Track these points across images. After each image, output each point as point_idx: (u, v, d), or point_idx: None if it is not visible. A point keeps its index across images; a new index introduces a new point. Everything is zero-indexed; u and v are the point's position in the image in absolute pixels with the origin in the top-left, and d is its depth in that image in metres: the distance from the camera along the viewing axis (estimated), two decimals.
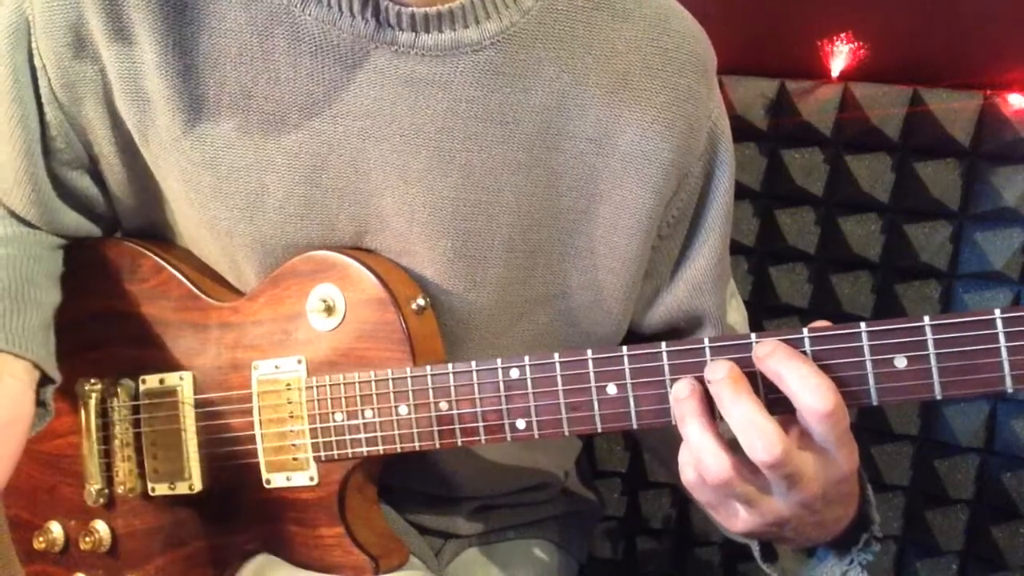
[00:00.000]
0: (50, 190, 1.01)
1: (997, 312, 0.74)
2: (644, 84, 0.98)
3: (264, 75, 0.92)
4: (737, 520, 0.82)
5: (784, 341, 0.78)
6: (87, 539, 1.02)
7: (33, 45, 0.94)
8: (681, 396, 0.79)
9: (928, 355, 0.75)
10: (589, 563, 1.40)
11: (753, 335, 0.79)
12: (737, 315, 1.14)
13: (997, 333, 0.74)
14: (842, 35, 1.45)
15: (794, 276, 1.54)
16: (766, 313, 1.56)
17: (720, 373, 0.77)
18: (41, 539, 1.04)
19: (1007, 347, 0.73)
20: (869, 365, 0.76)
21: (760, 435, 0.74)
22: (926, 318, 0.75)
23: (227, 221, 0.96)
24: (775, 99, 1.49)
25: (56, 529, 1.04)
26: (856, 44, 1.45)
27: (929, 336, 0.75)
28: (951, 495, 1.47)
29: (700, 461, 0.78)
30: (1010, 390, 0.74)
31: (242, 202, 0.95)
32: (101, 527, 1.03)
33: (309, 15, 0.91)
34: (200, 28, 0.92)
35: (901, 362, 0.76)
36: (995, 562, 1.45)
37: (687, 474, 0.80)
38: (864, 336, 0.76)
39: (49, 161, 1.00)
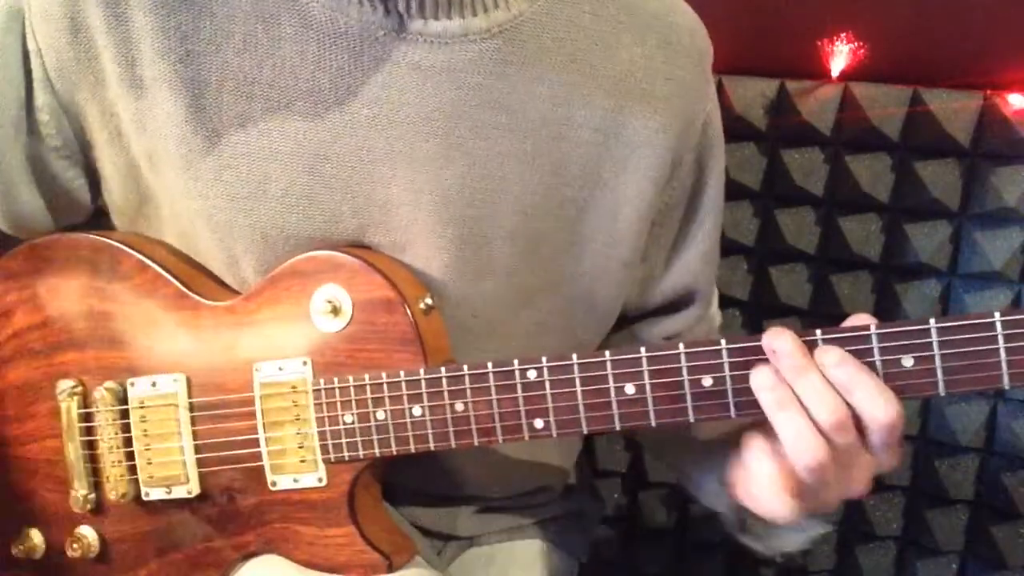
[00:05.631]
0: (19, 172, 0.99)
1: (996, 315, 0.77)
2: (647, 76, 0.99)
3: (269, 62, 0.92)
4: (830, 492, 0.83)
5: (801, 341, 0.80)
6: (75, 545, 0.99)
7: (27, 28, 0.93)
8: (767, 385, 0.80)
9: (933, 355, 0.78)
10: (589, 563, 1.39)
11: (768, 334, 0.81)
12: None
13: (996, 335, 0.77)
14: (842, 35, 1.45)
15: (794, 276, 1.54)
16: (766, 313, 1.56)
17: (788, 344, 0.80)
18: (20, 546, 1.00)
19: (1005, 347, 0.77)
20: (879, 365, 0.79)
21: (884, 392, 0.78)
22: (932, 320, 0.78)
23: (227, 211, 0.95)
24: (775, 99, 1.48)
25: (36, 536, 1.01)
26: (856, 44, 1.45)
27: (934, 337, 0.78)
28: (951, 495, 1.48)
29: (828, 423, 0.78)
30: (1007, 387, 0.78)
31: (243, 191, 0.94)
32: (88, 532, 1.00)
33: (316, 2, 0.91)
34: (201, 13, 0.91)
35: (908, 361, 0.79)
36: (995, 562, 1.46)
37: (804, 458, 0.80)
38: (874, 338, 0.79)
39: (37, 146, 0.98)
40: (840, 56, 1.46)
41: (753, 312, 1.56)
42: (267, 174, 0.93)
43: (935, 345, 0.78)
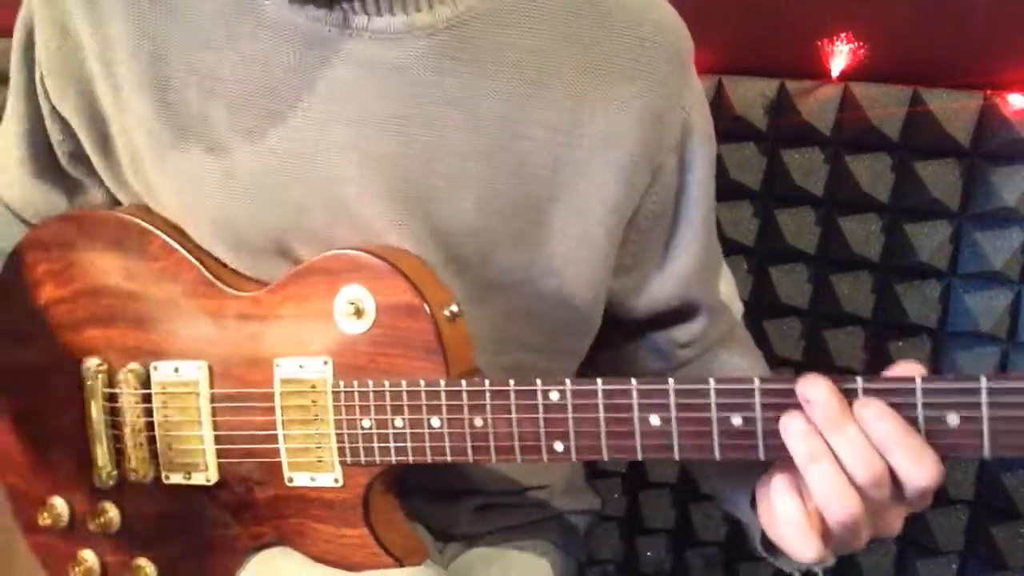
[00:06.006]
0: (32, 181, 1.04)
1: None
2: (617, 72, 0.97)
3: (228, 61, 0.93)
4: (859, 539, 0.80)
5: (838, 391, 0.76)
6: (96, 519, 1.00)
7: (36, 39, 0.97)
8: (799, 433, 0.77)
9: (981, 416, 0.73)
10: (589, 563, 1.39)
11: (802, 381, 0.77)
12: (726, 287, 1.16)
13: None
14: (842, 35, 1.45)
15: (794, 276, 1.54)
16: (766, 313, 1.56)
17: (824, 393, 0.76)
18: (45, 514, 1.02)
19: None
20: (921, 421, 0.75)
21: (925, 453, 0.74)
22: (983, 378, 0.73)
23: (202, 206, 0.96)
24: (775, 99, 1.48)
25: (61, 505, 1.02)
26: (856, 44, 1.45)
27: (983, 396, 0.73)
28: (951, 495, 1.48)
29: (866, 474, 0.75)
30: None
31: (213, 186, 0.95)
32: (110, 508, 1.01)
33: (268, 0, 0.91)
34: (169, 14, 0.93)
35: (953, 420, 0.74)
36: (995, 562, 1.46)
37: (835, 511, 0.77)
38: (919, 391, 0.75)
39: (51, 155, 1.03)
40: (840, 56, 1.46)
41: (753, 312, 1.55)
42: (234, 168, 0.94)
43: (984, 404, 0.73)
